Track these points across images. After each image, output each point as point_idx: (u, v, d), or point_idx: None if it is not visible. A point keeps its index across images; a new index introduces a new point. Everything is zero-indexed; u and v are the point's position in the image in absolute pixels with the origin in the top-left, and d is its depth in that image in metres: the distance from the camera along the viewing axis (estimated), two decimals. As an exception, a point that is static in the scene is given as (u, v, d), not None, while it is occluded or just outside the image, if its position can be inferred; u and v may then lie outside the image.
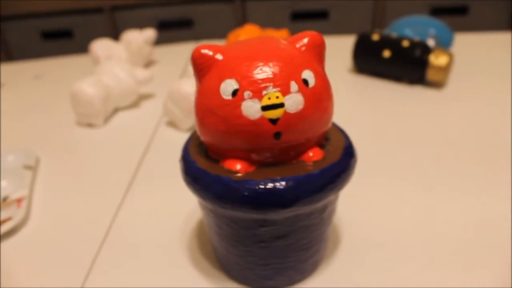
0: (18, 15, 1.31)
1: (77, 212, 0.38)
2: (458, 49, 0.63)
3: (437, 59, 0.53)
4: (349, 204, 0.35)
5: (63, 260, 0.33)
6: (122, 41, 0.67)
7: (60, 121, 0.54)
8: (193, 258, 0.32)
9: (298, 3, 1.25)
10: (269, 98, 0.22)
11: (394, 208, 0.35)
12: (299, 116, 0.22)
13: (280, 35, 0.61)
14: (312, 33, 0.24)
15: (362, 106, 0.53)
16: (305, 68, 0.23)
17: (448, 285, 0.28)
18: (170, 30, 1.30)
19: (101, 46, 0.67)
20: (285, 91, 0.22)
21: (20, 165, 0.43)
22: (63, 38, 1.35)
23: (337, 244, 0.32)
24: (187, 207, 0.37)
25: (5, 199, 0.39)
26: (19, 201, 0.38)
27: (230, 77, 0.22)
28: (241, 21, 1.27)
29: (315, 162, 0.24)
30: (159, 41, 0.76)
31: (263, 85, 0.22)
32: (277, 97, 0.22)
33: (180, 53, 0.74)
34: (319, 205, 0.24)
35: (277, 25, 1.13)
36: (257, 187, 0.22)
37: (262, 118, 0.22)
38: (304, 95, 0.22)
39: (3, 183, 0.40)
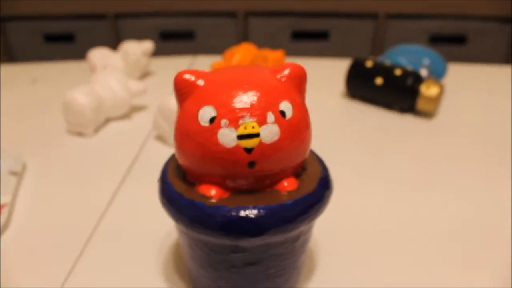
0: (21, 16, 1.32)
1: (59, 221, 0.38)
2: (452, 80, 0.64)
3: (428, 90, 0.54)
4: (328, 231, 0.35)
5: (40, 269, 0.33)
6: (120, 51, 0.67)
7: (51, 128, 0.54)
8: (167, 276, 0.32)
9: (299, 22, 1.26)
10: (245, 128, 0.22)
11: (377, 237, 0.36)
12: (274, 146, 0.22)
13: (276, 56, 0.62)
14: (294, 64, 0.24)
15: (350, 131, 0.54)
16: (283, 99, 0.23)
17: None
18: (171, 41, 1.31)
19: (98, 55, 0.67)
20: (262, 121, 0.22)
21: (5, 170, 0.43)
22: (65, 41, 1.36)
23: (312, 270, 0.32)
24: (167, 223, 0.36)
25: (-13, 204, 0.39)
26: (0, 207, 0.38)
27: (209, 104, 0.22)
28: (242, 37, 1.28)
29: (289, 192, 0.24)
30: (159, 51, 0.77)
31: (240, 114, 0.22)
32: (253, 127, 0.22)
33: (177, 66, 0.74)
34: (291, 234, 0.24)
35: (277, 43, 1.14)
36: (229, 214, 0.23)
37: (237, 146, 0.22)
38: (281, 126, 0.23)
39: (-13, 188, 0.41)
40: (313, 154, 0.28)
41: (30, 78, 0.72)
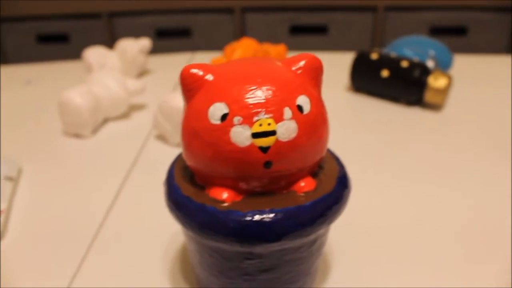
0: (14, 17, 1.30)
1: (59, 226, 0.37)
2: (457, 70, 0.62)
3: (436, 81, 0.52)
4: (342, 232, 0.33)
5: (40, 276, 0.31)
6: (117, 49, 0.65)
7: (47, 130, 0.53)
8: (173, 283, 0.30)
9: (297, 16, 1.25)
10: (260, 125, 0.20)
11: (390, 238, 0.34)
12: (291, 144, 0.21)
13: (277, 50, 0.60)
14: (310, 55, 0.23)
15: (357, 126, 0.52)
16: (300, 93, 0.21)
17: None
18: (168, 38, 1.29)
19: (94, 53, 0.65)
20: (278, 118, 0.20)
21: (1, 176, 0.41)
22: (59, 42, 1.34)
23: (326, 272, 0.31)
24: (172, 226, 0.35)
25: (-18, 212, 0.37)
26: (-4, 214, 0.36)
27: (220, 101, 0.21)
28: (240, 33, 1.26)
29: (306, 193, 0.22)
30: (156, 50, 0.75)
31: (255, 110, 0.20)
32: (269, 124, 0.20)
33: (176, 63, 0.72)
34: (309, 238, 0.22)
35: (275, 38, 1.12)
36: (243, 219, 0.21)
37: (252, 145, 0.20)
38: (298, 123, 0.21)
39: (-18, 194, 0.39)
40: (329, 151, 0.26)
41: (24, 80, 0.70)
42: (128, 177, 0.43)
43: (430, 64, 0.57)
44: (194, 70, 0.22)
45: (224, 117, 0.20)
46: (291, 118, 0.21)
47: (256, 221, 0.21)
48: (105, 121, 0.54)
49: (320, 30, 1.26)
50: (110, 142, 0.50)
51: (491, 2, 1.16)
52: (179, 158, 0.26)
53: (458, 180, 0.41)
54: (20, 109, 0.60)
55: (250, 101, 0.20)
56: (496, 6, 1.17)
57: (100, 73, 0.54)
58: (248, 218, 0.21)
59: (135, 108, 0.57)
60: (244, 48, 0.60)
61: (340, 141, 0.48)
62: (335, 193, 0.23)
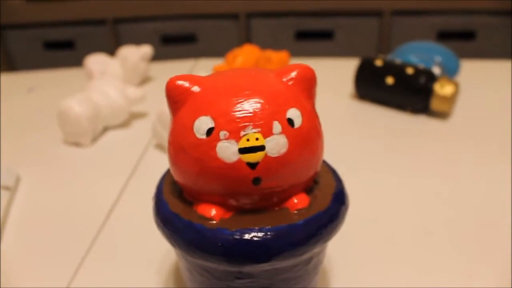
0: (20, 24, 1.31)
1: (54, 237, 0.36)
2: (464, 77, 0.60)
3: (443, 89, 0.51)
4: (343, 246, 0.32)
5: (35, 283, 0.31)
6: (118, 56, 0.65)
7: (47, 138, 0.52)
8: (168, 300, 0.29)
9: (303, 22, 1.24)
10: (248, 140, 0.19)
11: (395, 250, 0.33)
12: (281, 160, 0.20)
13: (280, 57, 0.59)
14: (301, 65, 0.22)
15: (361, 135, 0.51)
16: (291, 106, 0.20)
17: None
18: (173, 45, 1.29)
19: (96, 61, 0.65)
20: (267, 132, 0.19)
21: (-2, 185, 0.41)
22: (65, 49, 1.34)
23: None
24: (167, 241, 0.34)
25: (-25, 224, 0.36)
26: (-11, 226, 0.36)
27: (205, 114, 0.20)
28: (245, 39, 1.26)
29: (299, 210, 0.21)
30: (161, 56, 0.75)
31: (242, 124, 0.19)
32: (257, 139, 0.19)
33: (178, 70, 0.71)
34: (303, 258, 0.21)
35: (281, 44, 1.11)
36: (231, 238, 0.20)
37: (239, 161, 0.19)
38: (288, 137, 0.20)
39: (-24, 206, 0.38)
40: (325, 165, 0.25)
41: (26, 87, 0.69)
42: (126, 187, 0.42)
43: (436, 70, 0.56)
44: (180, 82, 0.21)
45: (210, 131, 0.19)
46: (281, 133, 0.20)
47: (245, 240, 0.20)
48: (105, 129, 0.53)
49: (325, 35, 1.25)
50: (110, 151, 0.49)
51: (500, 5, 1.14)
52: (168, 172, 0.25)
53: (465, 190, 0.39)
54: (20, 117, 0.59)
55: (237, 114, 0.19)
56: (505, 10, 1.15)
57: (100, 81, 0.54)
58: (237, 237, 0.20)
59: (135, 116, 0.56)
60: (246, 54, 0.59)
61: (344, 150, 0.48)
62: (331, 210, 0.22)
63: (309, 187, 0.23)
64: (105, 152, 0.49)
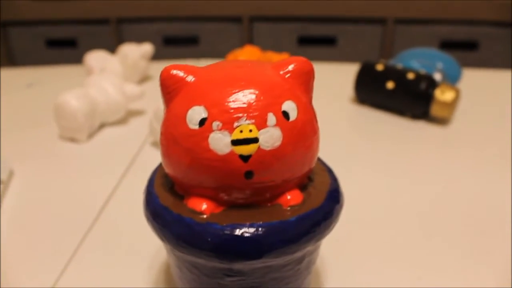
0: (23, 21, 1.30)
1: (46, 232, 0.35)
2: (466, 84, 0.60)
3: (443, 95, 0.50)
4: (338, 248, 0.31)
5: (22, 281, 0.30)
6: (118, 54, 0.65)
7: (43, 134, 0.51)
8: (157, 298, 0.29)
9: (305, 27, 1.23)
10: (241, 131, 0.19)
11: (388, 256, 0.32)
12: (275, 153, 0.19)
13: (281, 59, 0.59)
14: (300, 58, 0.21)
15: (359, 139, 0.50)
16: (287, 98, 0.20)
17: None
18: (175, 46, 1.29)
19: (96, 57, 0.65)
20: (261, 124, 0.19)
21: (-11, 178, 0.40)
22: (67, 47, 1.34)
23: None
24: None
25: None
26: (-21, 219, 0.35)
27: (199, 104, 0.19)
28: (247, 42, 1.26)
29: (292, 206, 0.21)
30: (163, 57, 0.74)
31: (235, 115, 0.19)
32: (251, 131, 0.19)
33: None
34: (295, 256, 0.21)
35: (283, 48, 1.11)
36: (222, 233, 0.19)
37: (231, 153, 0.19)
38: (283, 130, 0.19)
39: (-34, 197, 0.37)
40: (321, 162, 0.25)
41: (27, 83, 0.69)
42: (120, 184, 0.41)
43: (437, 77, 0.56)
44: (175, 71, 0.20)
45: (202, 121, 0.19)
46: (275, 125, 0.19)
47: (235, 236, 0.19)
48: (102, 126, 0.53)
49: (328, 41, 1.25)
50: (106, 148, 0.49)
51: (502, 16, 1.13)
52: (161, 166, 0.24)
53: (464, 196, 0.39)
54: (18, 111, 0.59)
55: (231, 105, 0.19)
56: (507, 21, 1.15)
57: (98, 77, 0.53)
58: (227, 232, 0.19)
59: (133, 113, 0.55)
60: (247, 56, 0.59)
61: (342, 153, 0.47)
62: (324, 208, 0.21)
63: (303, 184, 0.22)
64: (101, 149, 0.48)
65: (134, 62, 0.63)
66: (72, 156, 0.47)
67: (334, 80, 0.64)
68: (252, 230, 0.19)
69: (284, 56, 0.60)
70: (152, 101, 0.55)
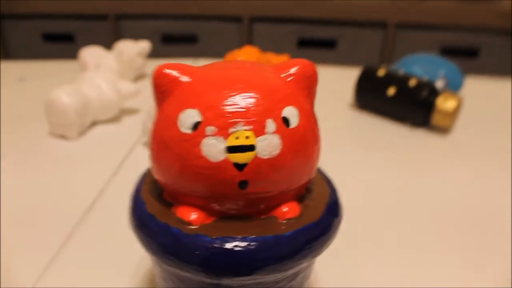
0: (19, 14, 1.29)
1: (28, 232, 0.34)
2: (468, 92, 0.59)
3: (445, 103, 0.49)
4: (331, 258, 0.30)
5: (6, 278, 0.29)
6: (114, 50, 0.63)
7: (32, 129, 0.50)
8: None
9: (306, 29, 1.22)
10: (237, 138, 0.17)
11: (386, 265, 0.31)
12: (273, 163, 0.18)
13: (280, 60, 0.57)
14: (302, 61, 0.20)
15: (358, 146, 0.49)
16: (288, 103, 0.18)
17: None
18: (173, 44, 1.27)
19: (91, 53, 0.63)
20: (259, 131, 0.17)
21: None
22: (64, 41, 1.32)
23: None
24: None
25: None
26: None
27: (192, 107, 0.18)
28: (246, 43, 1.24)
29: (288, 220, 0.19)
30: (160, 54, 0.73)
31: (231, 120, 0.17)
32: (247, 137, 0.17)
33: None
34: (288, 273, 0.19)
35: (282, 50, 1.10)
36: (211, 246, 0.18)
37: (225, 161, 0.17)
38: (283, 137, 0.18)
39: None
40: (319, 172, 0.23)
41: (18, 76, 0.67)
42: (109, 184, 0.40)
43: (439, 84, 0.54)
44: (168, 71, 0.19)
45: (195, 126, 0.18)
46: (275, 132, 0.18)
47: (226, 249, 0.18)
48: (94, 123, 0.51)
49: (328, 44, 1.23)
50: (96, 146, 0.47)
51: (504, 24, 1.13)
52: (149, 170, 0.23)
53: (464, 205, 0.38)
54: (7, 106, 0.57)
55: (227, 109, 0.17)
56: (508, 29, 1.14)
57: (92, 73, 0.52)
58: (217, 245, 0.18)
59: (126, 112, 0.54)
60: (245, 56, 0.58)
61: (339, 160, 0.46)
62: (323, 222, 0.20)
63: (301, 195, 0.21)
64: (92, 147, 0.47)
65: (130, 59, 0.61)
66: (62, 153, 0.46)
67: (334, 84, 0.63)
68: (244, 244, 0.18)
69: (284, 57, 0.58)
70: (147, 100, 0.53)
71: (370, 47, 1.22)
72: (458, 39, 1.18)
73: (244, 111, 0.17)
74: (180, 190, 0.19)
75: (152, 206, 0.20)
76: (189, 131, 0.18)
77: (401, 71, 0.55)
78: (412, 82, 0.51)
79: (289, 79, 0.19)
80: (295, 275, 0.20)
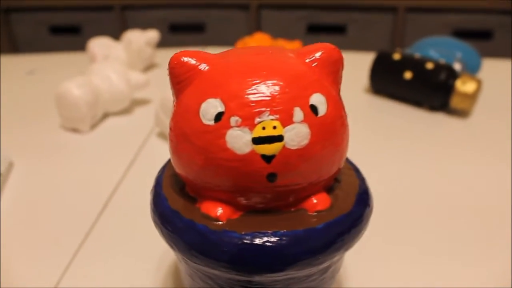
0: (26, 7, 1.28)
1: (46, 228, 0.33)
2: (486, 75, 0.57)
3: (464, 85, 0.48)
4: (358, 252, 0.29)
5: (22, 281, 0.28)
6: (123, 40, 0.62)
7: (44, 123, 0.49)
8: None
9: (315, 15, 1.20)
10: (264, 128, 0.16)
11: (403, 243, 0.30)
12: (302, 153, 0.17)
13: (292, 47, 0.56)
14: (328, 45, 0.19)
15: (375, 131, 0.48)
16: (315, 90, 0.17)
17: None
18: (181, 33, 1.26)
19: (99, 44, 0.62)
20: (286, 120, 0.16)
21: (-14, 171, 0.38)
22: (71, 34, 1.31)
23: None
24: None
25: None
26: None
27: (214, 96, 0.17)
28: (254, 30, 1.23)
29: (319, 212, 0.18)
30: (168, 44, 0.72)
31: (257, 110, 0.16)
32: (274, 127, 0.16)
33: (185, 58, 0.68)
34: (320, 267, 0.19)
35: (291, 37, 1.08)
36: (240, 242, 0.17)
37: (252, 153, 0.16)
38: (311, 126, 0.17)
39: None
40: (347, 161, 0.22)
41: (28, 70, 0.67)
42: (125, 177, 0.39)
43: (457, 67, 0.53)
44: (186, 59, 0.18)
45: (219, 116, 0.17)
46: (303, 121, 0.17)
47: (256, 245, 0.17)
48: (105, 115, 0.50)
49: (338, 29, 1.21)
50: (109, 139, 0.46)
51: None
52: (169, 163, 0.22)
53: (484, 191, 0.37)
54: (18, 100, 0.57)
55: (252, 98, 0.16)
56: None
57: (102, 65, 0.51)
58: (246, 241, 0.17)
59: (137, 103, 0.53)
60: (257, 43, 0.56)
61: (355, 146, 0.44)
62: (354, 213, 0.19)
63: (330, 186, 0.20)
64: (104, 140, 0.46)
65: (138, 49, 0.61)
66: (74, 147, 0.45)
67: (347, 69, 0.61)
68: (274, 239, 0.17)
69: (296, 44, 0.57)
70: (158, 90, 0.53)
71: (380, 32, 1.20)
72: (470, 21, 1.16)
73: (270, 99, 0.16)
74: (203, 184, 0.18)
75: (175, 202, 0.19)
76: (211, 123, 0.17)
77: (417, 55, 0.53)
78: (430, 65, 0.50)
79: (314, 64, 0.18)
80: (327, 268, 0.20)
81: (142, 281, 0.28)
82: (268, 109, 0.16)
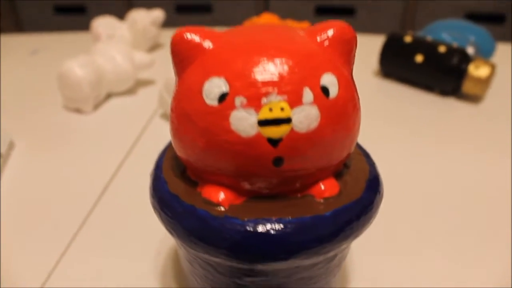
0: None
1: (47, 209, 0.33)
2: (500, 59, 0.56)
3: (477, 70, 0.46)
4: (364, 240, 0.28)
5: (21, 263, 0.28)
6: (127, 20, 0.61)
7: (46, 103, 0.48)
8: (164, 282, 0.26)
9: (324, -4, 1.18)
10: (271, 109, 0.15)
11: (410, 233, 0.29)
12: (311, 137, 0.16)
13: (301, 27, 0.55)
14: (341, 23, 0.18)
15: (384, 116, 0.46)
16: (326, 70, 0.16)
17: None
18: (188, 14, 1.24)
19: (103, 23, 0.61)
20: (295, 101, 0.15)
21: (-13, 151, 0.38)
22: (76, 13, 1.30)
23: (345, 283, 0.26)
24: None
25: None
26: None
27: (218, 75, 0.16)
28: (262, 11, 1.21)
29: (327, 199, 0.17)
30: (174, 25, 0.70)
31: (264, 90, 0.15)
32: (282, 109, 0.15)
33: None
34: (327, 256, 0.18)
35: (299, 18, 1.06)
36: (243, 229, 0.16)
37: (258, 136, 0.15)
38: (321, 109, 0.16)
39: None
40: (357, 146, 0.21)
41: (31, 49, 0.66)
42: (127, 158, 0.38)
43: (470, 50, 0.51)
44: (189, 36, 0.17)
45: (223, 97, 0.16)
46: (313, 103, 0.16)
47: (259, 233, 0.16)
48: (109, 96, 0.50)
49: (347, 11, 1.19)
50: (112, 119, 0.46)
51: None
52: (170, 146, 0.21)
53: (496, 179, 0.36)
54: (20, 79, 0.56)
55: (258, 77, 0.15)
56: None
57: (106, 44, 0.50)
58: (249, 229, 0.16)
59: (141, 83, 0.52)
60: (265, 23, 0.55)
61: (364, 130, 0.43)
62: (364, 200, 0.18)
63: (339, 171, 0.19)
64: (107, 120, 0.45)
65: (143, 29, 0.59)
66: (77, 127, 0.44)
67: (356, 52, 0.60)
68: (279, 226, 0.16)
69: (304, 24, 0.56)
70: (163, 71, 0.52)
71: (390, 15, 1.18)
72: (483, 4, 1.13)
73: (278, 79, 0.15)
74: (205, 168, 0.17)
75: (175, 186, 0.18)
76: (215, 103, 0.16)
77: (429, 38, 0.52)
78: (442, 49, 0.48)
79: (326, 43, 0.17)
80: (334, 256, 0.19)
81: (142, 264, 0.27)
82: (276, 89, 0.15)
